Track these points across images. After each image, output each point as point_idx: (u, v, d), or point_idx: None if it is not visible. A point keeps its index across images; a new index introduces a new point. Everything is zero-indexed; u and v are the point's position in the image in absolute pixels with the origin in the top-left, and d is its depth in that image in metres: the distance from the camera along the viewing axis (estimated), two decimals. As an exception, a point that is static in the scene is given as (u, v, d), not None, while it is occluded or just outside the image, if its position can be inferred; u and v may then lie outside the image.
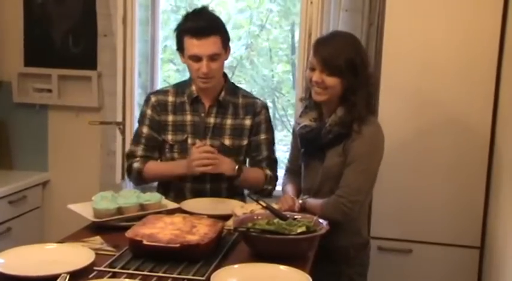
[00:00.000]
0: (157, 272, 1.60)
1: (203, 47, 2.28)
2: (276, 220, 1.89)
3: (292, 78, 4.02)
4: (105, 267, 1.63)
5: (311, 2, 3.08)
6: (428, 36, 2.66)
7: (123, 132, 3.30)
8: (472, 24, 2.61)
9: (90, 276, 1.57)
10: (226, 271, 1.60)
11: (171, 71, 3.97)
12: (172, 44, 2.61)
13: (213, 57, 2.30)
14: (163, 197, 2.19)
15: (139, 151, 2.44)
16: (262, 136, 2.47)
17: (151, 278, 1.58)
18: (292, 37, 3.95)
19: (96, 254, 1.67)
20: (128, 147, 2.79)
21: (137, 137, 2.47)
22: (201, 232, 1.77)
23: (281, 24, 4.00)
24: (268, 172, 2.46)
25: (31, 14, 3.46)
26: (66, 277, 1.49)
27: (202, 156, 2.26)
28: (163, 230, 1.76)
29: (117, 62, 3.26)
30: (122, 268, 1.63)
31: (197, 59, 2.30)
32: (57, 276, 1.49)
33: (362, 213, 2.28)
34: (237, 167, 2.33)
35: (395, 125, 2.68)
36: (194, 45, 2.29)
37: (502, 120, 2.56)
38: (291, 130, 2.51)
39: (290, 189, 2.34)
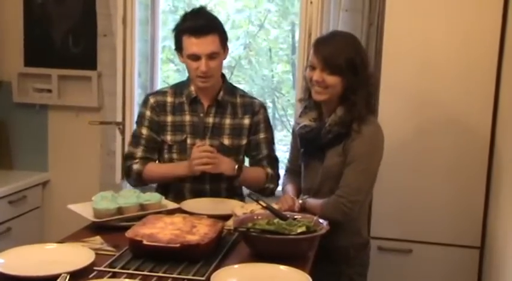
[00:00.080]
0: (157, 272, 1.60)
1: (202, 45, 2.28)
2: (276, 220, 1.89)
3: (292, 78, 4.02)
4: (105, 267, 1.63)
5: (311, 2, 3.08)
6: (428, 36, 2.66)
7: (123, 132, 3.30)
8: (472, 24, 2.61)
9: (90, 276, 1.57)
10: (226, 271, 1.60)
11: (170, 71, 3.97)
12: (171, 43, 2.61)
13: (211, 56, 2.30)
14: (163, 197, 2.19)
15: (139, 152, 2.44)
16: (262, 135, 2.48)
17: (151, 278, 1.58)
18: (293, 37, 3.95)
19: (96, 254, 1.67)
20: (126, 148, 2.79)
21: (136, 139, 2.46)
22: (201, 232, 1.76)
23: (280, 24, 4.00)
24: (269, 170, 2.46)
25: (31, 14, 3.46)
26: (66, 277, 1.49)
27: (202, 155, 2.26)
28: (163, 230, 1.76)
29: (117, 62, 3.27)
30: (122, 268, 1.63)
31: (196, 57, 2.30)
32: (57, 276, 1.49)
33: (362, 213, 2.28)
34: (236, 166, 2.34)
35: (395, 125, 2.68)
36: (193, 44, 2.29)
37: (502, 120, 2.56)
38: (291, 130, 2.51)
39: (290, 189, 2.34)
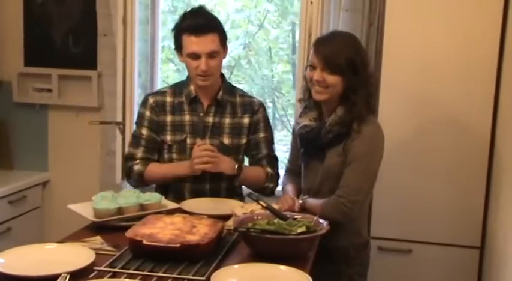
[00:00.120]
0: (158, 272, 1.60)
1: (202, 44, 2.29)
2: (276, 220, 1.89)
3: (292, 78, 4.02)
4: (105, 267, 1.63)
5: (311, 2, 3.08)
6: (428, 37, 2.66)
7: (123, 132, 3.30)
8: (472, 25, 2.61)
9: (90, 276, 1.57)
10: (226, 271, 1.60)
11: (170, 71, 3.97)
12: (171, 43, 2.61)
13: (211, 55, 2.30)
14: (163, 197, 2.19)
15: (140, 153, 2.44)
16: (261, 134, 2.48)
17: (152, 278, 1.58)
18: (293, 37, 3.95)
19: (96, 254, 1.67)
20: (126, 149, 2.78)
21: (136, 139, 2.46)
22: (201, 232, 1.76)
23: (280, 24, 4.00)
24: (269, 169, 2.47)
25: (31, 14, 3.46)
26: (66, 277, 1.49)
27: (203, 154, 2.27)
28: (163, 230, 1.76)
29: (117, 62, 3.27)
30: (122, 268, 1.63)
31: (196, 56, 2.31)
32: (57, 276, 1.49)
33: (362, 213, 2.28)
34: (236, 166, 2.34)
35: (395, 125, 2.68)
36: (193, 43, 2.29)
37: (502, 121, 2.56)
38: (291, 130, 2.51)
39: (290, 189, 2.34)
